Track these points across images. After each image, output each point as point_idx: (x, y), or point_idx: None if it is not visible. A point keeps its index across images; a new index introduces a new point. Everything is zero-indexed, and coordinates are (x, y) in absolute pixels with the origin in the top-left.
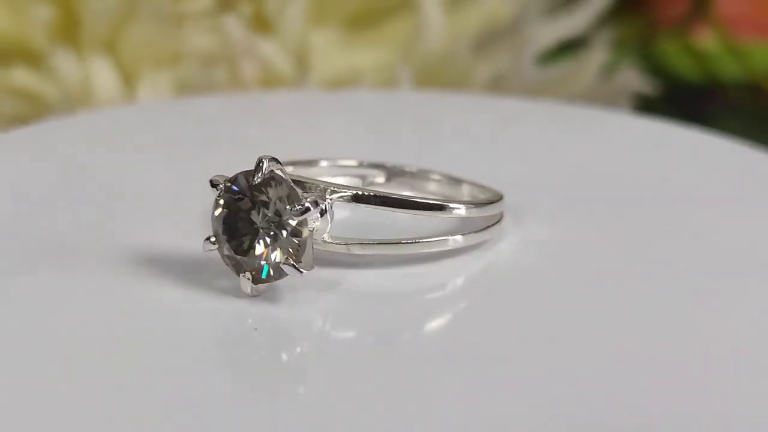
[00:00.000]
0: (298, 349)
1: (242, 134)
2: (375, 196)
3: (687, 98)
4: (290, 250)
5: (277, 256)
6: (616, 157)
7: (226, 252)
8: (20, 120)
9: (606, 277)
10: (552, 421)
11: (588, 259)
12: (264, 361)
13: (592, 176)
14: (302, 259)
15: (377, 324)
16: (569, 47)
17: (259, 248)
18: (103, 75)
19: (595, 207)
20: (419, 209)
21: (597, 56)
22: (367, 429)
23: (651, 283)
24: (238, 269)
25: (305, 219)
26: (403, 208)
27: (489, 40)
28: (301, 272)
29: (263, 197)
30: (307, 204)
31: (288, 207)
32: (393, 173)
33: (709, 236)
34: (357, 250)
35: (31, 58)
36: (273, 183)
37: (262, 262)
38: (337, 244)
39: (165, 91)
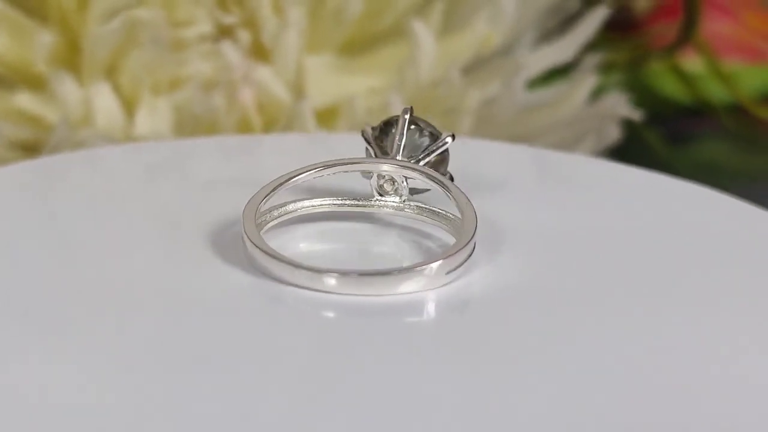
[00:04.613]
0: None
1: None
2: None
3: (675, 120)
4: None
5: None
6: (601, 207)
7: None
8: (23, 143)
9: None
10: None
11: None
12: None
13: (575, 224)
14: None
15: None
16: (557, 71)
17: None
18: (103, 100)
19: (572, 252)
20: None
21: (587, 80)
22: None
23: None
24: None
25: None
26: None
27: (480, 65)
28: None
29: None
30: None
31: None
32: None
33: (684, 284)
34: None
35: (34, 83)
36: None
37: None
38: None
39: (164, 115)
